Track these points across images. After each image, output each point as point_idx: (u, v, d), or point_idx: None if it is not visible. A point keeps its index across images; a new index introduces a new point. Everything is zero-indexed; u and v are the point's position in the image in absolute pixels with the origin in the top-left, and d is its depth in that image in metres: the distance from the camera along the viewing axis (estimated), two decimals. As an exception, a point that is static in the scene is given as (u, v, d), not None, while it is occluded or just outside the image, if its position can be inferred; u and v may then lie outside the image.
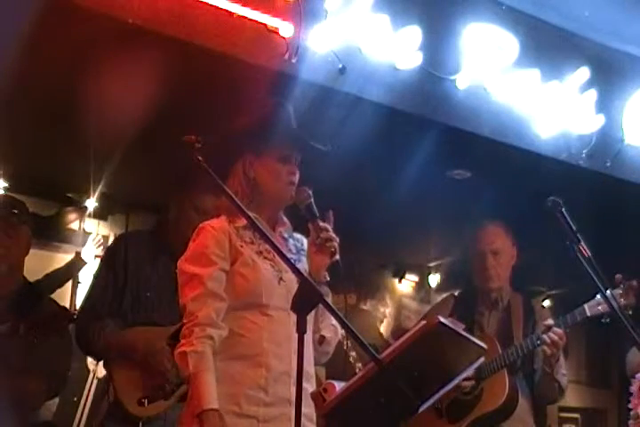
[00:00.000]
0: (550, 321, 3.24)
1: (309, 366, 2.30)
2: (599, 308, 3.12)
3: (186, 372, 2.18)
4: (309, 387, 2.27)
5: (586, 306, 3.19)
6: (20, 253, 3.44)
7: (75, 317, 3.41)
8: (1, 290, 3.33)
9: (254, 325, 2.26)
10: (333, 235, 2.30)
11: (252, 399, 2.20)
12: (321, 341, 2.39)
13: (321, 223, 2.30)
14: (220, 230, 2.32)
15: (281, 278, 2.32)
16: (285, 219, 2.47)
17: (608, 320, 3.01)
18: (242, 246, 2.32)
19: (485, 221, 3.63)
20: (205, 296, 2.24)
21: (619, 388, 6.20)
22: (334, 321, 2.32)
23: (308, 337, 2.30)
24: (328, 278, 2.30)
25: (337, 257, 2.27)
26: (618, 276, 3.09)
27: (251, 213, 2.24)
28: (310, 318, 2.31)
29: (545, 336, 3.17)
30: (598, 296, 3.09)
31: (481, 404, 3.30)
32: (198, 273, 2.27)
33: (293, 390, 2.19)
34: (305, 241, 2.48)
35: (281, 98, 2.57)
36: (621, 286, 3.09)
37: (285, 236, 2.47)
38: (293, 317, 2.23)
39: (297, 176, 2.40)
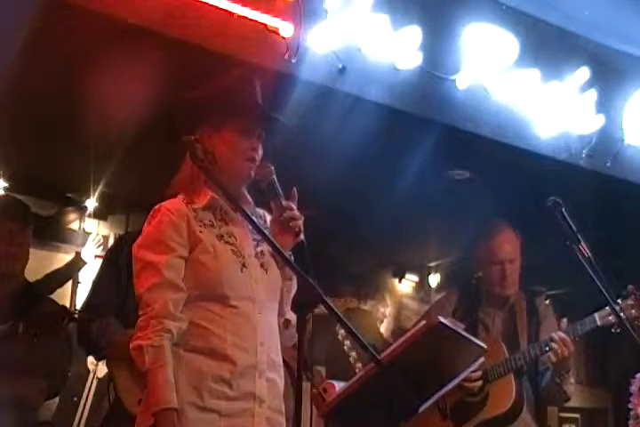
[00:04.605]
0: (562, 326, 3.21)
1: (277, 356, 2.19)
2: (610, 318, 3.09)
3: (142, 367, 2.02)
4: (277, 377, 2.18)
5: (596, 315, 3.15)
6: (28, 254, 3.46)
7: (75, 316, 3.40)
8: (7, 288, 3.34)
9: (217, 316, 2.11)
10: (298, 213, 2.18)
11: (215, 393, 2.07)
12: (286, 324, 2.27)
13: (284, 202, 2.19)
14: (177, 214, 2.15)
15: (243, 265, 2.17)
16: (249, 197, 2.32)
17: (619, 330, 2.95)
18: (201, 232, 2.16)
19: (492, 226, 3.52)
20: (162, 286, 2.09)
21: (618, 388, 6.18)
22: None
23: (273, 324, 2.19)
24: (292, 258, 2.15)
25: (302, 237, 2.16)
26: (630, 286, 3.07)
27: (212, 193, 2.18)
28: (275, 301, 2.23)
29: (553, 344, 3.12)
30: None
31: (487, 408, 3.26)
32: (154, 261, 2.11)
33: (260, 383, 2.12)
34: (268, 217, 2.32)
35: (246, 72, 2.39)
36: (633, 296, 3.07)
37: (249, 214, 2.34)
38: (259, 305, 2.16)
39: (259, 153, 2.25)
